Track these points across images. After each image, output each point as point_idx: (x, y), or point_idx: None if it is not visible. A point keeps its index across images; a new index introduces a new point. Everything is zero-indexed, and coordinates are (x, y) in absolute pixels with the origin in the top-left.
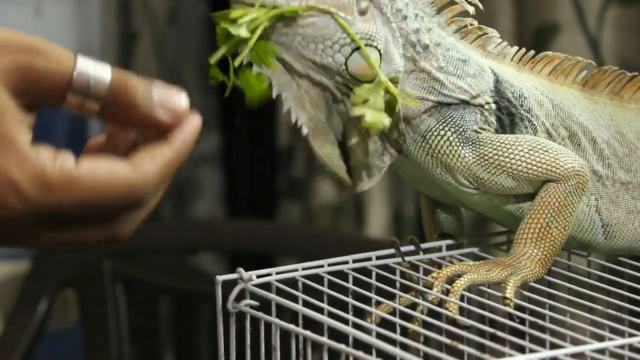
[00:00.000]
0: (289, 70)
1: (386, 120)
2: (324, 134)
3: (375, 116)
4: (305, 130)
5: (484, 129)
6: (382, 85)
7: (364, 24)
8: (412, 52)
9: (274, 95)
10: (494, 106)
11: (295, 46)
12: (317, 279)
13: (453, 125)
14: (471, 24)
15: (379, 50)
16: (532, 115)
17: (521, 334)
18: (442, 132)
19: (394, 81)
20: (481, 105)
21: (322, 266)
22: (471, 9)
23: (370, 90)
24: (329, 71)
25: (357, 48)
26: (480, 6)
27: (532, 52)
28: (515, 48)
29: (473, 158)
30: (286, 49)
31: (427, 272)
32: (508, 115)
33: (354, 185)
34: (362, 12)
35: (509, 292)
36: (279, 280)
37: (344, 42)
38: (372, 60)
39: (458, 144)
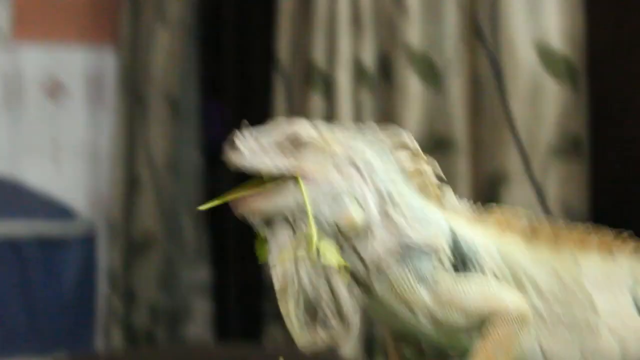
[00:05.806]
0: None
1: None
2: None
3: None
4: (276, 286)
5: (439, 270)
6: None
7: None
8: (385, 205)
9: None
10: (449, 251)
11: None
12: None
13: (413, 267)
14: (434, 189)
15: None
16: (481, 260)
17: None
18: (403, 273)
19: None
20: (437, 250)
21: None
22: (436, 182)
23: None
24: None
25: None
26: (444, 177)
27: (480, 205)
28: (467, 202)
29: (428, 295)
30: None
31: None
32: (461, 260)
33: (304, 342)
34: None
35: None
36: None
37: None
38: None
39: (416, 282)
